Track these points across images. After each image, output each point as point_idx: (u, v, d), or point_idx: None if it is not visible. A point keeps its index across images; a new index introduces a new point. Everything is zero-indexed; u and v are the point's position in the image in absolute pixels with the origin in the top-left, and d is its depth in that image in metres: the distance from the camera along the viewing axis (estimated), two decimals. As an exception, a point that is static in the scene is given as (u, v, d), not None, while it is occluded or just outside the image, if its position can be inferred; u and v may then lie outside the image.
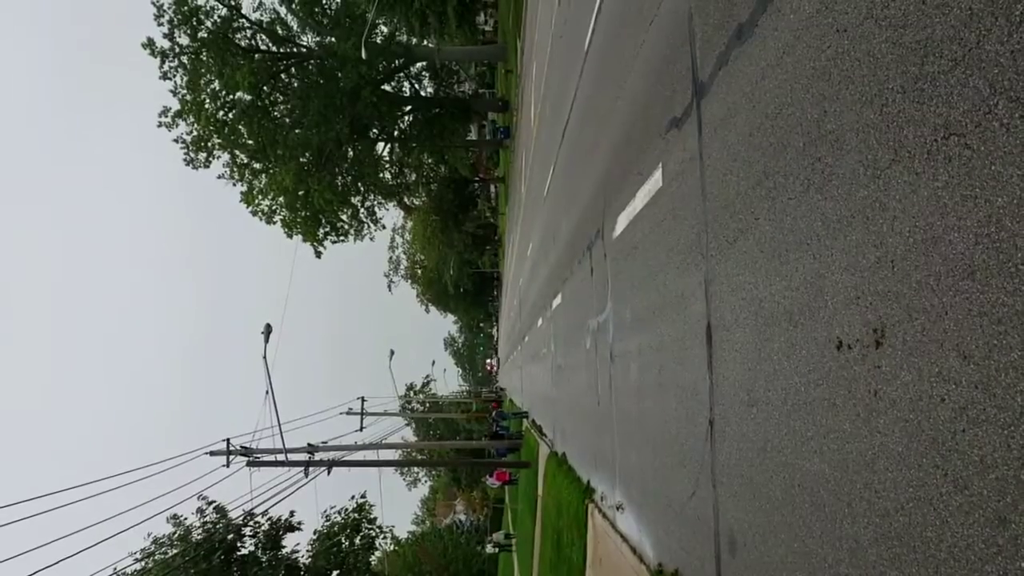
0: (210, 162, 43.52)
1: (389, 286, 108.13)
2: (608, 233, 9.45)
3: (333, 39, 43.89)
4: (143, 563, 27.21)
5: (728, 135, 4.89)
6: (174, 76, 41.41)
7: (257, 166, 44.61)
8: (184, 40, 41.07)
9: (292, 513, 32.25)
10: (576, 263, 12.89)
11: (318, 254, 49.14)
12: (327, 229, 49.11)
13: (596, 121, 11.21)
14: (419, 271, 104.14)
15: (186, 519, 29.10)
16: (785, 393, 4.07)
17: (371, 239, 54.41)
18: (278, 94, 44.29)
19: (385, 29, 50.59)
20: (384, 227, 55.49)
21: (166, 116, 41.96)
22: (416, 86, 54.08)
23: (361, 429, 42.47)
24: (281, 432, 23.45)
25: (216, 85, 41.47)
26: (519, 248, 37.72)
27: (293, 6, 44.49)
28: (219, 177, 44.96)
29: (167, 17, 40.57)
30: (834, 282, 3.53)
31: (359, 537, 36.02)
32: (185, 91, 41.47)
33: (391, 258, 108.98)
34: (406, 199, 67.41)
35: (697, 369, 5.64)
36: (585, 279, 11.68)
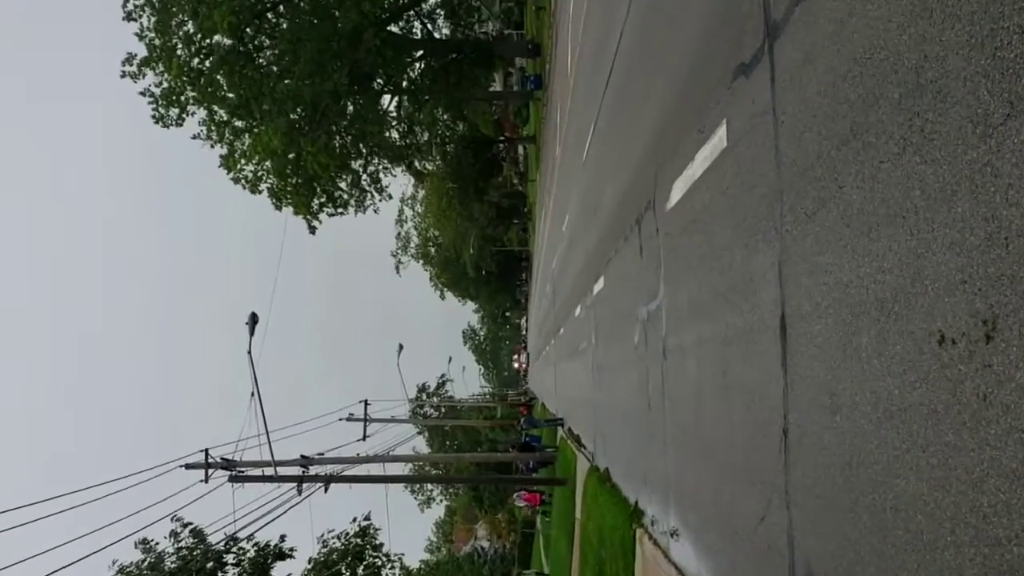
0: (183, 119, 43.92)
1: (397, 267, 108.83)
2: (661, 204, 9.42)
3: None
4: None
5: (807, 85, 4.86)
6: (140, 16, 41.73)
7: (239, 124, 44.94)
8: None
9: (283, 538, 32.61)
10: (622, 240, 12.87)
11: (312, 229, 49.50)
12: (322, 199, 49.40)
13: (647, 68, 11.16)
14: (432, 249, 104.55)
15: (157, 544, 29.56)
16: (875, 397, 4.07)
17: (375, 211, 54.64)
18: (264, 38, 44.49)
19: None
20: (391, 197, 55.73)
21: (131, 64, 42.31)
22: (429, 27, 54.09)
23: (364, 438, 42.87)
24: (269, 442, 23.79)
25: (190, 27, 41.73)
26: (552, 222, 37.66)
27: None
28: (194, 137, 45.34)
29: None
30: (935, 263, 3.52)
31: (362, 567, 36.36)
32: (153, 34, 41.75)
33: (399, 234, 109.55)
34: (417, 163, 67.46)
35: (768, 368, 5.63)
36: (633, 259, 11.66)
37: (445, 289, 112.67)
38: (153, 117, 43.41)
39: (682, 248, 8.41)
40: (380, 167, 53.79)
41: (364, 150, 51.10)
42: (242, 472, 24.65)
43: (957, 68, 3.34)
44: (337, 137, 48.04)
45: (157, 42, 41.81)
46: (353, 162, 50.60)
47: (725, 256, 6.71)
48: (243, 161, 45.34)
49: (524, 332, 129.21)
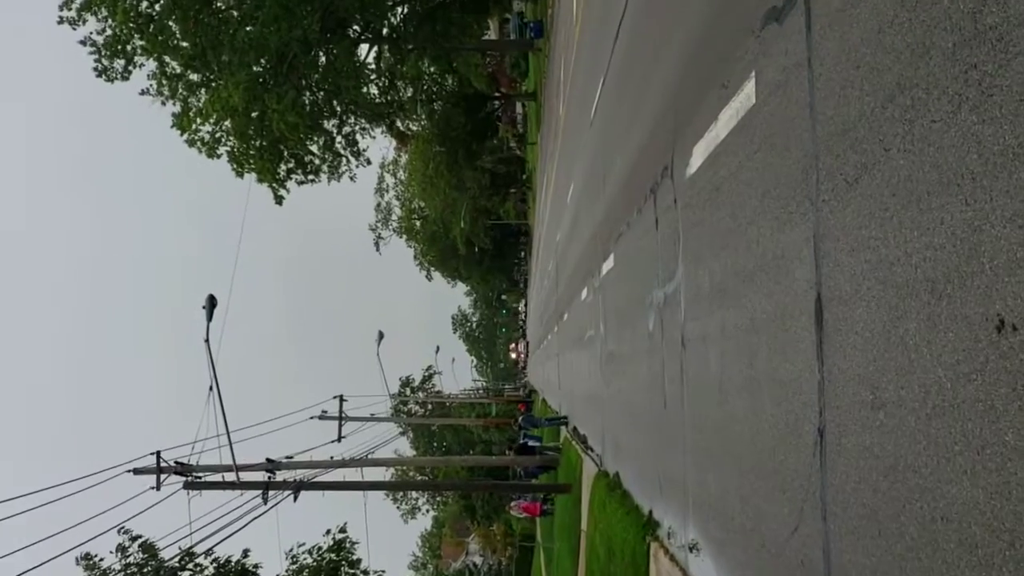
0: (130, 72, 43.74)
1: (377, 244, 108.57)
2: (679, 171, 9.40)
3: None
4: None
5: (848, 32, 4.84)
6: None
7: (195, 78, 44.74)
8: None
9: (246, 552, 32.72)
10: (635, 212, 12.86)
11: (279, 199, 49.42)
12: (290, 165, 49.32)
13: (664, 12, 11.11)
14: (417, 223, 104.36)
15: (102, 560, 29.63)
16: (924, 392, 4.07)
17: (352, 179, 54.57)
18: (223, -24, 44.27)
19: None
20: (369, 162, 55.58)
21: (69, 8, 42.08)
22: (413, -36, 53.78)
23: (339, 440, 42.94)
24: (231, 443, 23.79)
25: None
26: (555, 191, 37.61)
27: None
28: (143, 93, 45.18)
29: None
30: (994, 237, 3.51)
31: (337, 585, 36.51)
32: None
33: (379, 205, 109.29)
34: (399, 123, 67.27)
35: (802, 358, 5.64)
36: (647, 234, 11.66)
37: (432, 268, 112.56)
38: (95, 70, 43.22)
39: (704, 221, 8.40)
40: (357, 128, 53.65)
41: (338, 108, 50.93)
42: (199, 478, 24.65)
43: (1020, 13, 3.32)
44: (307, 93, 47.83)
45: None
46: (326, 122, 50.45)
47: (753, 230, 6.70)
48: (199, 120, 45.14)
49: (523, 318, 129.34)
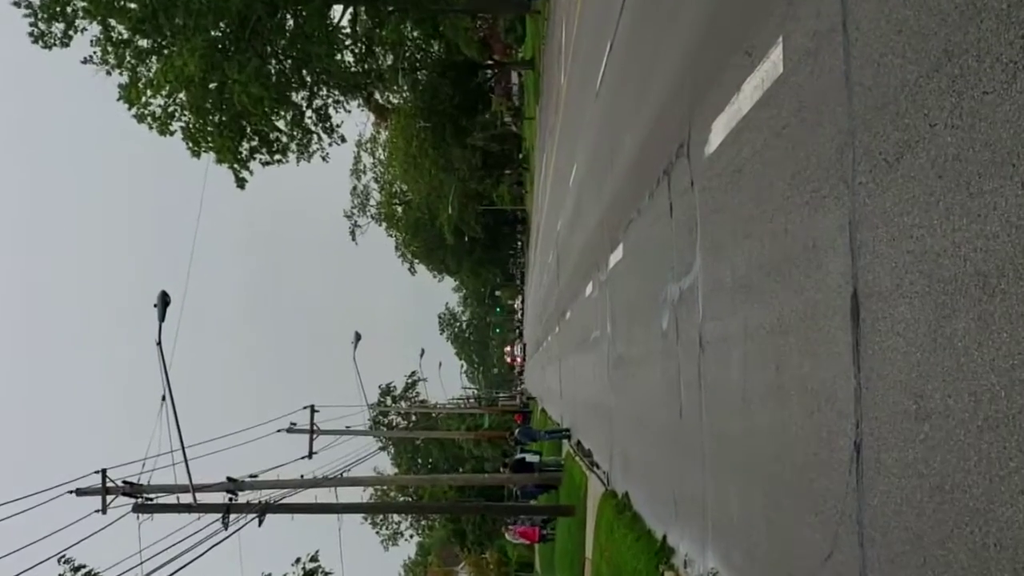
0: (71, 37, 43.61)
1: (353, 232, 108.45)
2: (697, 149, 9.39)
3: None
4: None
5: (889, -9, 4.83)
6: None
7: (144, 44, 44.67)
8: None
9: (205, 584, 32.78)
10: (646, 197, 12.85)
11: (241, 182, 49.34)
12: (254, 143, 49.23)
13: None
14: (399, 209, 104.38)
15: (42, 593, 29.63)
16: (975, 400, 4.07)
17: (324, 159, 54.54)
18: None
19: None
20: (344, 140, 55.56)
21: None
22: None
23: (310, 456, 42.91)
24: (186, 460, 23.75)
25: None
26: (556, 172, 37.59)
27: None
28: (86, 61, 45.06)
29: None
30: (1055, 225, 3.51)
31: (308, 621, 36.53)
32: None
33: (356, 188, 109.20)
34: (378, 96, 67.24)
35: (836, 362, 5.64)
36: (660, 221, 11.66)
37: (416, 261, 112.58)
38: (31, 35, 43.13)
39: (724, 207, 8.39)
40: (329, 101, 53.59)
41: (308, 78, 50.85)
42: (150, 499, 24.61)
43: (1085, -31, 3.32)
44: (272, 61, 47.76)
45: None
46: (294, 94, 50.37)
47: (779, 217, 6.70)
48: (149, 93, 45.00)
49: (519, 317, 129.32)
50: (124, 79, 45.07)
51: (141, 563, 21.66)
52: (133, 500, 24.42)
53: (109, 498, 24.12)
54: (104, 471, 24.18)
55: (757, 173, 7.30)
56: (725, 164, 8.28)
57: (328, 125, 53.15)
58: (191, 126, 46.37)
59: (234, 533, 23.71)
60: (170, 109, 45.89)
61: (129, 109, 45.33)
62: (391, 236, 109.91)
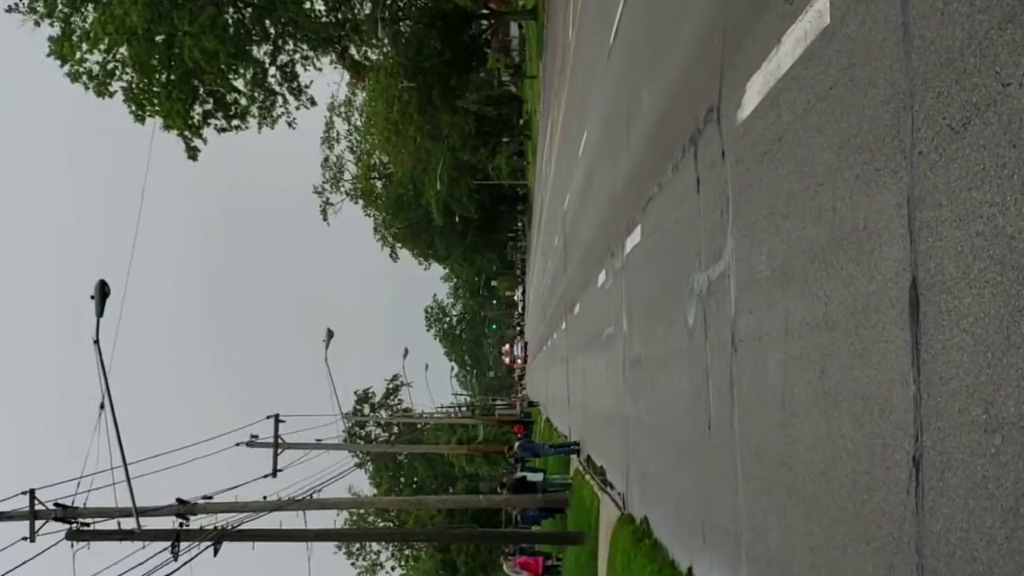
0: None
1: (324, 211, 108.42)
2: (729, 114, 9.44)
3: None
4: None
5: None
6: None
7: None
8: None
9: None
10: (669, 170, 12.93)
11: (193, 153, 49.35)
12: (208, 106, 49.21)
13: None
14: (378, 184, 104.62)
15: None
16: (1057, 409, 4.03)
17: (290, 125, 54.64)
18: None
19: None
20: (314, 103, 55.60)
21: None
22: None
23: (274, 474, 42.79)
24: (128, 479, 23.73)
25: None
26: (563, 141, 37.70)
27: None
28: (10, 10, 44.84)
29: None
30: None
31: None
32: None
33: (327, 160, 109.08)
34: (353, 51, 67.04)
35: (892, 364, 5.61)
36: (686, 199, 11.72)
37: (398, 245, 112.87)
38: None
39: (760, 182, 8.42)
40: (297, 57, 53.68)
41: (272, 30, 50.75)
42: (87, 525, 24.62)
43: None
44: (230, 10, 47.59)
45: None
46: (255, 49, 50.25)
47: (825, 193, 6.70)
48: (86, 47, 44.76)
49: (519, 311, 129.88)
50: (56, 31, 44.97)
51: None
52: (67, 526, 24.42)
53: (38, 523, 24.15)
54: (32, 491, 24.19)
55: (799, 142, 7.31)
56: (762, 131, 8.31)
57: (295, 85, 53.34)
58: (134, 86, 46.24)
59: (185, 565, 23.60)
60: (110, 66, 45.77)
61: (61, 66, 45.32)
62: (369, 216, 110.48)
